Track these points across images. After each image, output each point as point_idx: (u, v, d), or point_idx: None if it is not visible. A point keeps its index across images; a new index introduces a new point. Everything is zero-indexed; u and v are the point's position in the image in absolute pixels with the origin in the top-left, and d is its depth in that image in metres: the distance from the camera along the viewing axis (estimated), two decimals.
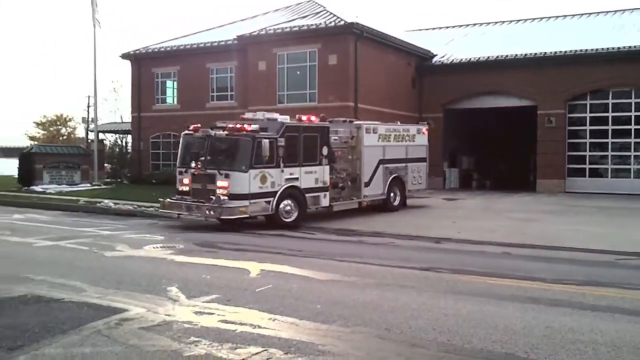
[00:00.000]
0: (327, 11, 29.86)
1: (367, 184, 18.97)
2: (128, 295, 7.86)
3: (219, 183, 15.38)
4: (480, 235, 14.21)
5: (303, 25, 28.24)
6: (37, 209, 20.57)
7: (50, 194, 25.07)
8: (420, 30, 40.34)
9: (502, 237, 14.07)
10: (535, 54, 29.51)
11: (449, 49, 34.09)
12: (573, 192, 27.87)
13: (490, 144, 34.63)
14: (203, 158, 15.91)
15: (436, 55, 33.18)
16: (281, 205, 16.05)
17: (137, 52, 34.82)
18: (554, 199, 24.96)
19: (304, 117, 17.18)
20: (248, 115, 17.45)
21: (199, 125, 16.91)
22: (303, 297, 7.91)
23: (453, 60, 32.18)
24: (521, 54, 29.93)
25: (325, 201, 17.38)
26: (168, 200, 16.53)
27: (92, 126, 40.81)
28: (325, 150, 17.27)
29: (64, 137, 66.42)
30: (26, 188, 27.10)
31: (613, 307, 7.70)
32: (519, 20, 37.56)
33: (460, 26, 39.68)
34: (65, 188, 27.21)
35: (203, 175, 15.83)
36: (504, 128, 33.73)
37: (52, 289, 8.14)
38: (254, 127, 15.77)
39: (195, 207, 15.71)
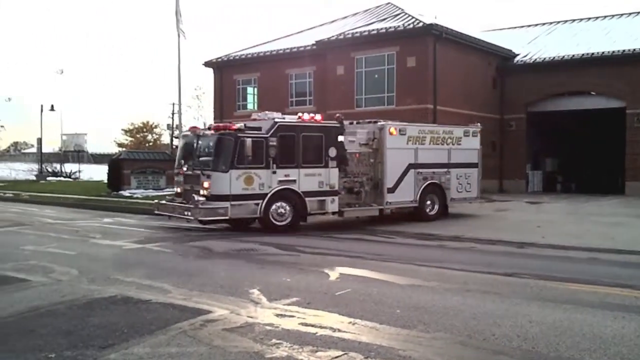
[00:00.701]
0: (406, 13, 29.75)
1: (392, 190, 17.52)
2: (211, 297, 8.05)
3: (203, 184, 15.16)
4: (565, 240, 13.75)
5: (382, 28, 28.23)
6: (125, 213, 21.37)
7: (137, 198, 25.97)
8: (501, 29, 39.51)
9: (589, 242, 13.56)
10: (623, 50, 28.38)
11: (531, 47, 33.23)
12: None
13: (576, 145, 33.50)
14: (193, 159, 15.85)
15: (518, 54, 32.42)
16: (273, 208, 15.49)
17: (219, 60, 35.73)
18: None
19: (306, 116, 16.50)
20: (254, 115, 17.03)
21: (197, 126, 16.85)
22: (383, 302, 7.88)
23: (536, 59, 31.35)
24: (608, 52, 28.86)
25: (333, 206, 16.45)
26: (162, 201, 16.76)
27: (176, 132, 42.06)
28: (332, 152, 16.33)
29: (150, 144, 68.90)
30: (115, 193, 28.19)
31: None
32: (605, 17, 36.16)
33: (544, 24, 38.57)
34: (151, 192, 28.07)
35: (191, 176, 15.70)
36: (590, 128, 32.58)
37: (140, 290, 8.44)
38: (239, 125, 15.38)
39: (179, 208, 15.62)
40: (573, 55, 29.97)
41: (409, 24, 27.70)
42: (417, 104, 26.63)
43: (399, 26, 27.80)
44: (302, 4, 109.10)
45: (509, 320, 7.01)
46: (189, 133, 16.63)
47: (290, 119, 16.38)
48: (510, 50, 32.33)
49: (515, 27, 39.66)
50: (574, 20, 37.58)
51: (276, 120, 15.86)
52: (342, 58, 29.16)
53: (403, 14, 29.94)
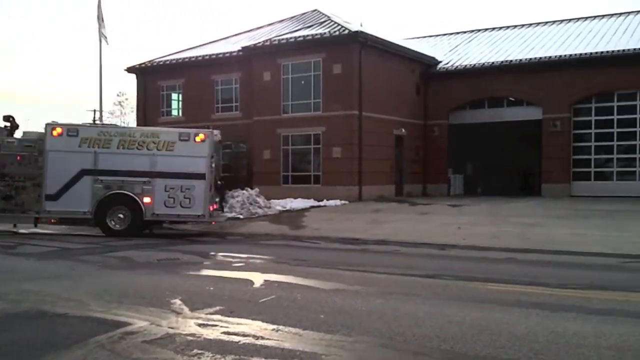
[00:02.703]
0: (332, 21, 29.96)
1: (54, 197, 16.45)
2: (131, 308, 7.85)
3: None
4: (485, 241, 14.18)
5: (307, 35, 28.36)
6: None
7: None
8: (425, 37, 40.42)
9: (506, 242, 14.04)
10: (540, 58, 29.55)
11: (453, 55, 34.13)
12: (579, 196, 27.81)
13: (496, 149, 34.59)
14: None
15: (441, 61, 33.19)
16: None
17: (143, 65, 35.05)
18: (559, 203, 24.86)
19: None
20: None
21: None
22: (307, 307, 7.90)
23: (457, 66, 32.20)
24: (526, 59, 29.99)
25: None
26: None
27: None
28: None
29: None
30: None
31: (617, 310, 7.66)
32: (523, 25, 37.48)
33: (465, 32, 39.66)
34: None
35: None
36: (509, 133, 33.73)
37: (56, 304, 8.15)
38: None
39: None
40: (492, 63, 30.94)
41: (334, 31, 27.93)
42: (343, 110, 26.88)
43: (324, 33, 27.98)
44: (229, 10, 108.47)
45: (430, 321, 7.15)
46: None
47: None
48: (433, 58, 33.06)
49: (438, 35, 40.59)
50: (493, 29, 38.74)
51: None
52: (268, 64, 29.11)
53: (329, 21, 30.12)
